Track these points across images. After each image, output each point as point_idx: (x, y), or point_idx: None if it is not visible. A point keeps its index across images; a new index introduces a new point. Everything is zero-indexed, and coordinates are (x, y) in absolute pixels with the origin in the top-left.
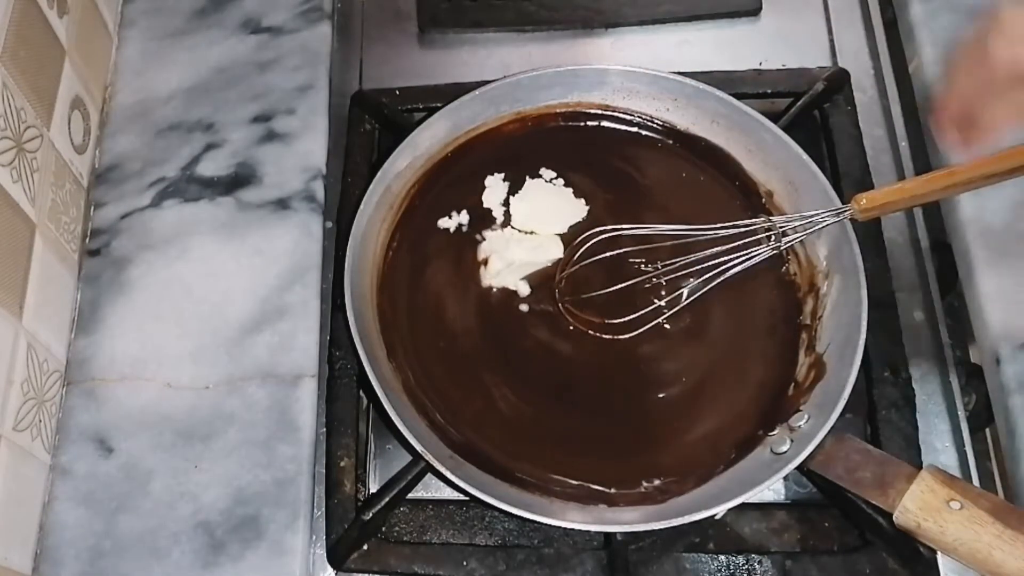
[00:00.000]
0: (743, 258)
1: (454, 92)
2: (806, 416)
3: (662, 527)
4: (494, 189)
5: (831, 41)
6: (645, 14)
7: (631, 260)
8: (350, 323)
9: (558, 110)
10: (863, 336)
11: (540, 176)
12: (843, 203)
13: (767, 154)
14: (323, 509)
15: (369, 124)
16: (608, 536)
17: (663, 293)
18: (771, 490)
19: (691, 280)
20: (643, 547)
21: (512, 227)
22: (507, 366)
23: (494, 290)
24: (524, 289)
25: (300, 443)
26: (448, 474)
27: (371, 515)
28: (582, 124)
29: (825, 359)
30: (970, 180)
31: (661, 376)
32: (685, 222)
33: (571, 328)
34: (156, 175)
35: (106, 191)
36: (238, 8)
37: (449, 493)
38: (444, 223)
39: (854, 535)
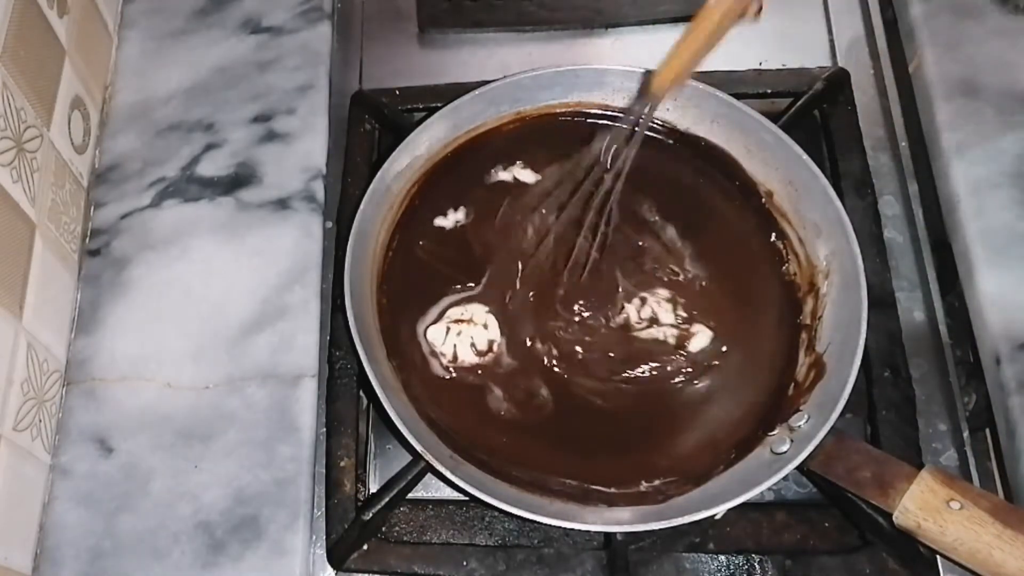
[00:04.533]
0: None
1: (454, 92)
2: (806, 416)
3: (662, 527)
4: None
5: (831, 41)
6: (645, 14)
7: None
8: (350, 323)
9: (558, 110)
10: (863, 336)
11: None
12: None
13: (767, 154)
14: (323, 509)
15: (369, 124)
16: (608, 536)
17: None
18: (771, 490)
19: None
20: (643, 547)
21: None
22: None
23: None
24: None
25: (300, 443)
26: (448, 474)
27: (371, 515)
28: (582, 124)
29: (825, 359)
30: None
31: (661, 376)
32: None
33: (570, 328)
34: (156, 175)
35: (106, 191)
36: (238, 8)
37: (449, 493)
38: (440, 221)
39: (854, 535)
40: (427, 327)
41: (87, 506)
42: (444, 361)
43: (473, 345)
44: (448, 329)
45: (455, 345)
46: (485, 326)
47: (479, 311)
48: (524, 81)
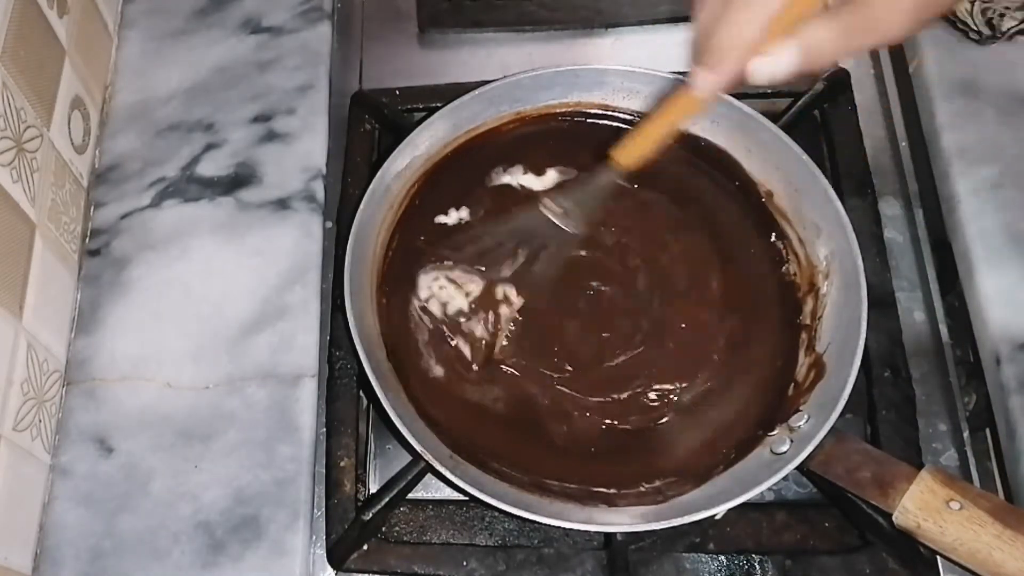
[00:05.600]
0: None
1: (454, 92)
2: (806, 416)
3: (662, 527)
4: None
5: None
6: (645, 14)
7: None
8: (350, 323)
9: (558, 110)
10: (863, 336)
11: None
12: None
13: (767, 154)
14: (323, 509)
15: (369, 124)
16: (608, 536)
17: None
18: (771, 490)
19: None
20: (643, 547)
21: None
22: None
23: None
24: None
25: (300, 443)
26: (448, 474)
27: (371, 515)
28: (582, 124)
29: (825, 359)
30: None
31: (661, 376)
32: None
33: (568, 329)
34: (156, 175)
35: (106, 191)
36: (238, 8)
37: (449, 493)
38: (441, 219)
39: (854, 535)
40: (426, 267)
41: (87, 506)
42: (416, 301)
43: (445, 305)
44: (439, 278)
45: (433, 293)
46: (468, 305)
47: (476, 286)
48: (524, 81)
